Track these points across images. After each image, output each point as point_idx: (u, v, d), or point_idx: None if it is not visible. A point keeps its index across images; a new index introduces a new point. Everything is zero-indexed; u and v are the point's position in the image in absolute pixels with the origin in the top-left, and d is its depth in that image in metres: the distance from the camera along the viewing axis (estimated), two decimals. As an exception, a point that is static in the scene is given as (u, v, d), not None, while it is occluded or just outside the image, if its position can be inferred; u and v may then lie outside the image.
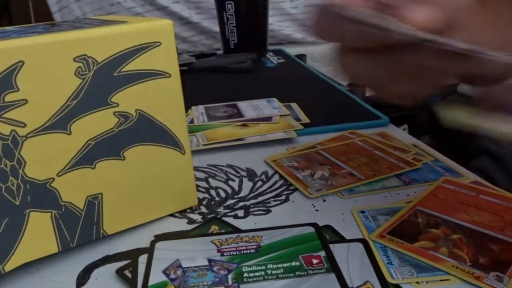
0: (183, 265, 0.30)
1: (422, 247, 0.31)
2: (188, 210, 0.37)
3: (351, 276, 0.29)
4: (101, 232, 0.33)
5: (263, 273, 0.29)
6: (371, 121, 0.55)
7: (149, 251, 0.32)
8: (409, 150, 0.46)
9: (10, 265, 0.29)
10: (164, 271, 0.29)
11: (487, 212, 0.34)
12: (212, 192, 0.40)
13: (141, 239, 0.33)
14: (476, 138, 0.73)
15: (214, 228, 0.34)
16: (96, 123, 0.31)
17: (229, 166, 0.45)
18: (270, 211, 0.37)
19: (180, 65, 0.32)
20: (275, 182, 0.42)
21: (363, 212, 0.36)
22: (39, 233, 0.30)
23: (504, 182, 0.62)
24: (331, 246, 0.31)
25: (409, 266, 0.29)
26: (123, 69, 0.31)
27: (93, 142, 0.31)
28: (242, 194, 0.40)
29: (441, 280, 0.28)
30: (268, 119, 0.56)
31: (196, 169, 0.44)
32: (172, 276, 0.29)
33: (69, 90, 0.29)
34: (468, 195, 0.37)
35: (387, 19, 0.24)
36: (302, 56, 1.11)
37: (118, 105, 0.31)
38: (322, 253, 0.31)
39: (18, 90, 0.27)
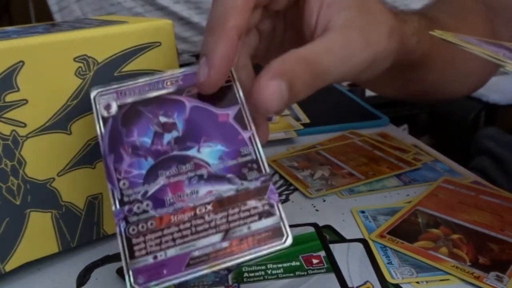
0: (183, 265, 0.30)
1: (422, 247, 0.31)
2: (188, 210, 0.37)
3: (351, 276, 0.29)
4: (102, 232, 0.33)
5: (263, 273, 0.29)
6: (371, 121, 0.55)
7: (149, 251, 0.32)
8: (409, 150, 0.46)
9: (10, 265, 0.29)
10: (164, 271, 0.29)
11: (487, 212, 0.34)
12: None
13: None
14: (476, 138, 0.73)
15: (214, 228, 0.34)
16: (96, 123, 0.31)
17: (229, 166, 0.45)
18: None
19: (180, 66, 0.32)
20: (275, 182, 0.42)
21: (363, 212, 0.36)
22: (39, 233, 0.30)
23: (504, 182, 0.62)
24: (331, 246, 0.31)
25: (409, 266, 0.29)
26: (123, 69, 0.31)
27: (93, 142, 0.31)
28: (242, 194, 0.40)
29: (441, 280, 0.28)
30: (268, 119, 0.56)
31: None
32: (172, 276, 0.29)
33: (69, 90, 0.29)
34: (468, 195, 0.37)
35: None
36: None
37: (118, 105, 0.31)
38: (322, 253, 0.31)
39: (18, 90, 0.27)
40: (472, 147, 0.74)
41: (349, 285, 0.28)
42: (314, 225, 0.34)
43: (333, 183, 0.40)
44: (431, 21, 0.40)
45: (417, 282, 0.28)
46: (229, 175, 0.25)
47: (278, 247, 0.24)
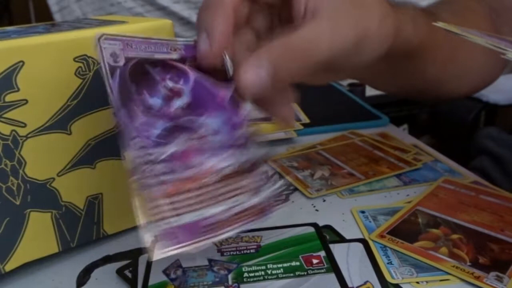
0: (183, 265, 0.30)
1: (422, 247, 0.31)
2: (188, 210, 0.37)
3: (351, 276, 0.29)
4: (101, 232, 0.33)
5: (263, 273, 0.29)
6: (371, 121, 0.55)
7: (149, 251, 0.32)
8: (409, 150, 0.46)
9: (10, 265, 0.29)
10: (164, 271, 0.29)
11: (487, 212, 0.34)
12: (212, 192, 0.40)
13: (141, 239, 0.33)
14: (476, 138, 0.73)
15: (214, 228, 0.35)
16: (96, 123, 0.31)
17: (229, 166, 0.45)
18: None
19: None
20: (275, 182, 0.41)
21: (363, 212, 0.36)
22: (39, 233, 0.30)
23: (504, 182, 0.62)
24: (331, 246, 0.31)
25: (409, 266, 0.29)
26: (123, 69, 0.31)
27: (93, 142, 0.31)
28: (242, 194, 0.40)
29: (441, 280, 0.28)
30: (268, 119, 0.56)
31: (196, 169, 0.44)
32: (172, 276, 0.29)
33: (69, 90, 0.29)
34: (468, 195, 0.37)
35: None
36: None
37: (118, 105, 0.31)
38: (322, 253, 0.31)
39: (18, 90, 0.27)
40: (472, 147, 0.74)
41: (349, 285, 0.28)
42: (314, 225, 0.34)
43: (333, 183, 0.40)
44: (428, 13, 0.40)
45: (417, 282, 0.28)
46: (231, 150, 0.27)
47: (275, 212, 0.27)
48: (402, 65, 0.40)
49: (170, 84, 0.26)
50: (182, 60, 0.27)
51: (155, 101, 0.26)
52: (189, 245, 0.24)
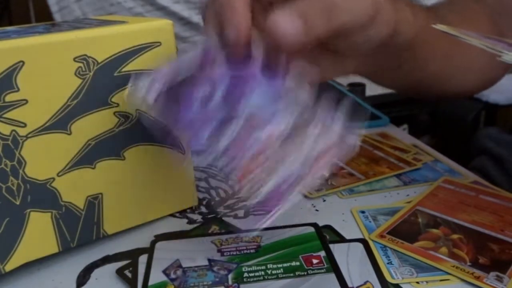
0: (183, 265, 0.30)
1: (422, 247, 0.31)
2: (188, 210, 0.37)
3: (351, 276, 0.29)
4: (101, 232, 0.33)
5: (263, 273, 0.29)
6: (371, 121, 0.55)
7: (149, 251, 0.32)
8: (409, 150, 0.46)
9: (10, 265, 0.29)
10: (164, 271, 0.29)
11: (487, 212, 0.34)
12: (212, 192, 0.40)
13: (141, 239, 0.33)
14: (476, 138, 0.73)
15: (214, 228, 0.35)
16: (96, 123, 0.31)
17: (229, 166, 0.45)
18: (270, 211, 0.37)
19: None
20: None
21: (363, 212, 0.36)
22: (39, 233, 0.30)
23: (503, 182, 0.62)
24: (331, 246, 0.31)
25: (409, 266, 0.29)
26: (123, 69, 0.31)
27: (93, 142, 0.31)
28: (242, 194, 0.40)
29: (441, 280, 0.28)
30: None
31: (196, 169, 0.44)
32: (172, 276, 0.29)
33: (69, 90, 0.29)
34: (468, 195, 0.37)
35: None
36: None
37: (118, 105, 0.31)
38: (322, 253, 0.31)
39: (18, 90, 0.27)
40: (472, 147, 0.74)
41: (349, 285, 0.28)
42: (314, 225, 0.34)
43: (333, 183, 0.40)
44: (427, 8, 0.40)
45: (417, 282, 0.28)
46: (279, 115, 0.27)
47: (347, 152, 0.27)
48: (404, 58, 0.40)
49: (202, 91, 0.28)
50: (203, 65, 0.29)
51: (195, 111, 0.27)
52: (279, 209, 0.26)
